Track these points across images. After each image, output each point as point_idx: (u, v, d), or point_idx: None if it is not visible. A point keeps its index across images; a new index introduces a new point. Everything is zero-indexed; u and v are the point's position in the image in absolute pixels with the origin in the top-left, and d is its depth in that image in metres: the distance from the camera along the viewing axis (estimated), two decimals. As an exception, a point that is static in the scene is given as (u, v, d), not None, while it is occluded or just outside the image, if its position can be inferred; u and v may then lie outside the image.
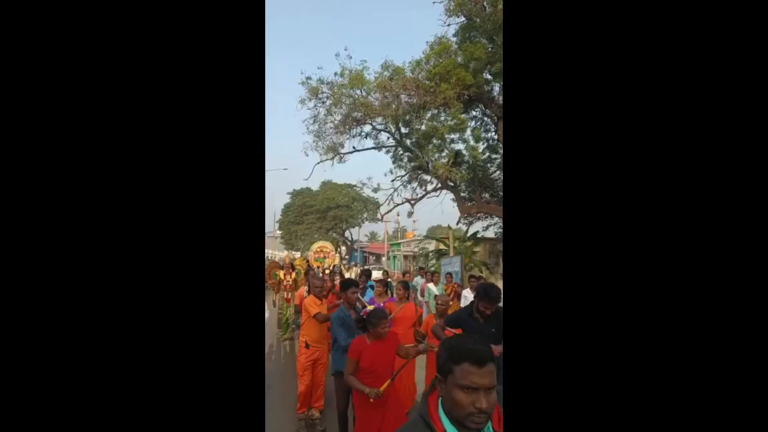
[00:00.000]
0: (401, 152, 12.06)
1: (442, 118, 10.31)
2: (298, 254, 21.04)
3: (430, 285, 6.77)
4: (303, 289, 5.73)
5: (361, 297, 3.68)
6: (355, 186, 25.53)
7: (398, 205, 13.00)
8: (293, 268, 7.78)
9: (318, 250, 15.54)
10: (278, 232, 31.50)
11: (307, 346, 3.85)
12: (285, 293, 7.37)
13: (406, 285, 4.53)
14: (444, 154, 10.70)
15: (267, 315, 4.26)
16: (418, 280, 7.90)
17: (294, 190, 30.35)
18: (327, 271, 9.12)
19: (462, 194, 11.73)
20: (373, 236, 43.26)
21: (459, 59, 9.80)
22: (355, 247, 30.50)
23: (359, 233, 32.75)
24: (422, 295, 6.92)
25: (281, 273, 7.62)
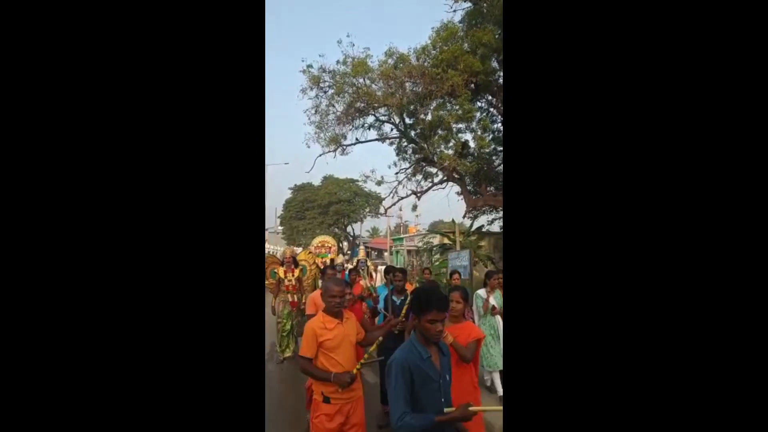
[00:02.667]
0: (405, 144, 11.73)
1: (448, 108, 9.97)
2: (300, 249, 20.71)
3: (481, 291, 4.70)
4: (318, 293, 3.55)
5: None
6: (357, 180, 25.25)
7: (402, 198, 12.71)
8: (296, 264, 6.21)
9: (319, 244, 15.19)
10: (280, 228, 31.31)
11: (326, 400, 2.27)
12: (288, 295, 6.03)
13: (465, 294, 2.79)
14: (450, 144, 10.36)
15: None
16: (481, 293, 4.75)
17: (295, 185, 30.22)
18: (348, 267, 7.44)
19: (468, 187, 11.42)
20: (374, 231, 43.06)
21: (466, 46, 9.45)
22: (357, 242, 30.28)
23: (361, 228, 32.57)
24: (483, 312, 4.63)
25: (281, 271, 6.09)
